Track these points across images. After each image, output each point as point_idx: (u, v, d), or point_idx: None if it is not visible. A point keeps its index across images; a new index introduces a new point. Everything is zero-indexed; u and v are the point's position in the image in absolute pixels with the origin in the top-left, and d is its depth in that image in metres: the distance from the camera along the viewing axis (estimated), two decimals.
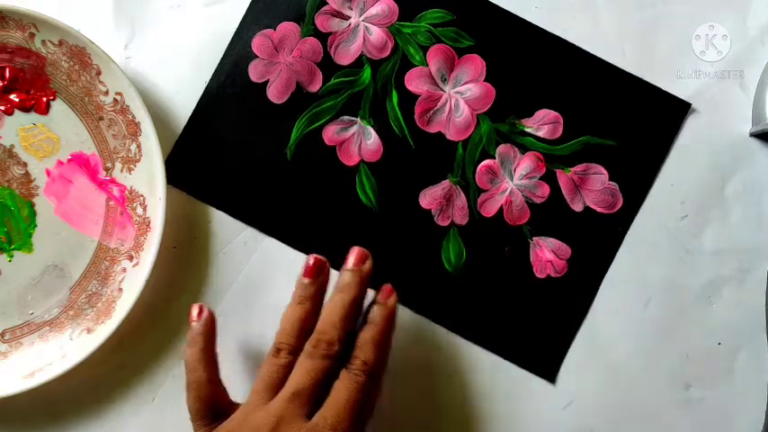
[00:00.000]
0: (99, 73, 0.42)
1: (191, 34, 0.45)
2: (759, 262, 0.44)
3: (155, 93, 0.45)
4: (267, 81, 0.44)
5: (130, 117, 0.42)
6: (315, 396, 0.38)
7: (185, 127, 0.44)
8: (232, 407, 0.40)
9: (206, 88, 0.44)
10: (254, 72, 0.44)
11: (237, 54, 0.44)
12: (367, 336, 0.39)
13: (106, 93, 0.42)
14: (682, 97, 0.44)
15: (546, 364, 0.43)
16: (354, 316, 0.40)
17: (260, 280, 0.44)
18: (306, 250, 0.43)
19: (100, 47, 0.41)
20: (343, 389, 0.37)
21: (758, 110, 0.43)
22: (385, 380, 0.39)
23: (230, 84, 0.44)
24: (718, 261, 0.44)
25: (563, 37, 0.44)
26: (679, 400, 0.43)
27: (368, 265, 0.41)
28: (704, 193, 0.44)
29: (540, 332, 0.44)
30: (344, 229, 0.44)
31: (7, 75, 0.43)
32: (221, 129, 0.44)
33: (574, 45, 0.44)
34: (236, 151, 0.44)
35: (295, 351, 0.39)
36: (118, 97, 0.42)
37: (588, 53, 0.44)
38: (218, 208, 0.44)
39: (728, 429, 0.43)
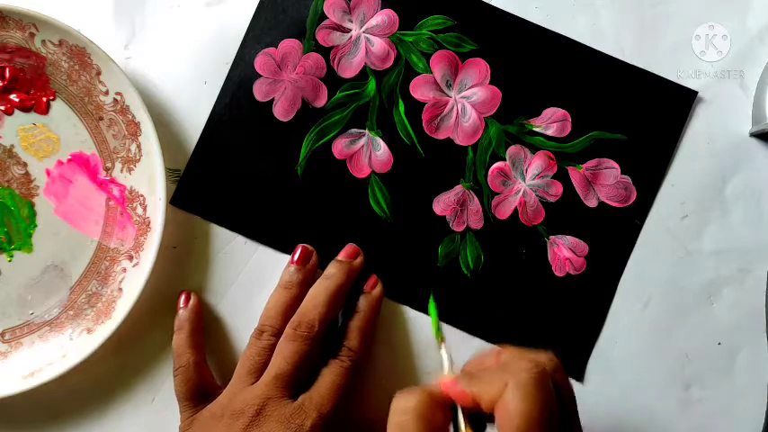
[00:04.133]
0: (99, 73, 0.42)
1: (191, 34, 0.45)
2: (759, 262, 0.44)
3: (155, 93, 0.44)
4: (272, 100, 0.44)
5: (130, 117, 0.42)
6: (297, 378, 0.39)
7: (194, 153, 0.44)
8: (218, 390, 0.41)
9: (211, 112, 0.44)
10: (259, 91, 0.44)
11: (241, 75, 0.44)
12: (353, 324, 0.41)
13: (106, 93, 0.42)
14: None
15: (572, 362, 0.43)
16: (338, 303, 0.41)
17: (260, 280, 0.44)
18: (322, 265, 0.43)
19: (100, 47, 0.41)
20: (328, 373, 0.39)
21: (758, 110, 0.43)
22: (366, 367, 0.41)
23: (236, 105, 0.44)
24: (718, 261, 0.44)
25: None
26: (679, 400, 0.43)
27: (358, 260, 0.43)
28: (704, 193, 0.44)
29: (564, 331, 0.43)
30: (360, 241, 0.44)
31: (7, 75, 0.43)
32: (230, 151, 0.44)
33: (576, 42, 0.44)
34: (246, 172, 0.44)
35: (278, 333, 0.40)
36: (118, 97, 0.42)
37: (591, 48, 0.44)
38: (234, 230, 0.44)
39: (728, 429, 0.43)
